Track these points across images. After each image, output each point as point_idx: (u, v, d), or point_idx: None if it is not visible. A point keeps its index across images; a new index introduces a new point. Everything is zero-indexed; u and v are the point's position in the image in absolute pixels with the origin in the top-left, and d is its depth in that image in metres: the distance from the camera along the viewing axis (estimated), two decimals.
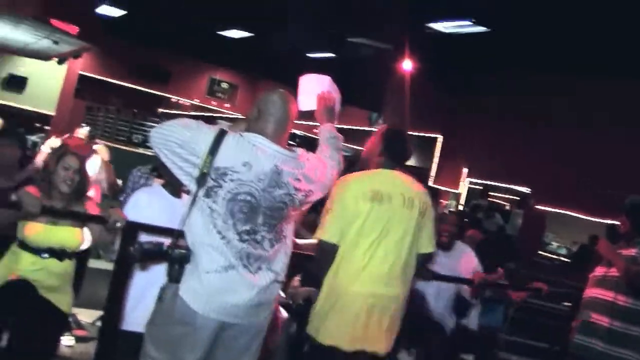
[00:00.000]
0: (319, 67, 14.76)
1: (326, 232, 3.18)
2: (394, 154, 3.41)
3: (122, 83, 18.16)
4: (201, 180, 2.58)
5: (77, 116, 16.05)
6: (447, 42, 11.40)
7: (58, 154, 3.65)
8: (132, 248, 2.78)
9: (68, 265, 3.61)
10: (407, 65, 12.44)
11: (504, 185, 13.82)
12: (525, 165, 12.52)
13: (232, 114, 19.85)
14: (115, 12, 13.53)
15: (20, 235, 3.49)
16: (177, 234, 2.66)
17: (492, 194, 14.61)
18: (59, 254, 3.53)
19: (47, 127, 13.82)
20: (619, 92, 10.99)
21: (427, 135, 14.90)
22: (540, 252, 12.30)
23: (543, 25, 9.58)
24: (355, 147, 17.77)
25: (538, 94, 12.27)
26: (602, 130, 11.34)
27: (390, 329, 3.26)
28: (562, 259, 12.34)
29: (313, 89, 3.22)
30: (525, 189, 13.02)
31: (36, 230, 3.46)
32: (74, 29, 10.85)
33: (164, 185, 3.55)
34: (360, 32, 11.03)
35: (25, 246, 3.48)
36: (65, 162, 3.58)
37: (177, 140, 2.59)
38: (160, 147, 2.62)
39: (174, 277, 2.62)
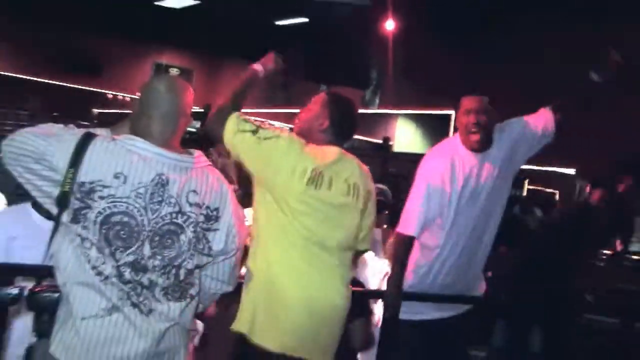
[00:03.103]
0: (290, 37, 14.74)
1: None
2: (342, 129, 3.43)
3: (35, 78, 18.10)
4: (63, 201, 2.52)
5: None
6: None
7: None
8: None
9: None
10: (390, 25, 12.44)
11: (544, 168, 13.76)
12: (572, 140, 12.42)
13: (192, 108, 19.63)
14: None
15: None
16: (42, 273, 2.64)
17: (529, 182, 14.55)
18: None
19: None
20: None
21: (436, 112, 14.89)
22: None
23: None
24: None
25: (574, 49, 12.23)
26: None
27: (332, 340, 3.36)
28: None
29: None
30: (570, 171, 12.98)
31: None
32: None
33: (34, 205, 3.47)
34: None
35: None
36: None
37: (31, 153, 2.54)
38: (13, 163, 2.56)
39: (43, 330, 2.56)
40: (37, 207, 3.36)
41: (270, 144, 3.20)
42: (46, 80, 18.14)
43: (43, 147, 2.55)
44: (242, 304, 3.21)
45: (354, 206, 3.35)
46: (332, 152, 3.33)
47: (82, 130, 2.63)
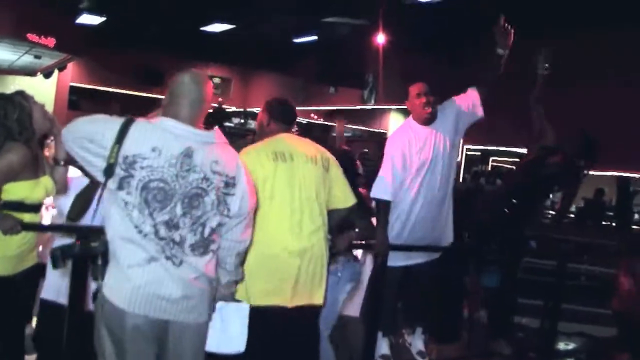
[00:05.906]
0: (304, 51, 14.62)
1: None
2: (281, 116, 3.49)
3: (116, 90, 18.24)
4: (109, 171, 2.48)
5: None
6: (429, 13, 11.32)
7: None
8: (53, 254, 2.72)
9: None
10: (381, 39, 12.42)
11: (504, 148, 13.63)
12: (525, 126, 12.30)
13: (229, 108, 19.86)
14: (95, 19, 13.50)
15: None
16: (88, 231, 2.64)
17: (493, 158, 14.46)
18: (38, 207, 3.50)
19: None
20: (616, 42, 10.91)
21: None
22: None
23: None
24: (352, 126, 17.72)
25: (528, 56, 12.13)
26: (601, 83, 11.15)
27: (320, 280, 3.34)
28: (572, 216, 12.17)
29: None
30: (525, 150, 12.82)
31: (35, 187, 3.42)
32: (51, 42, 10.86)
33: None
34: (337, 12, 10.95)
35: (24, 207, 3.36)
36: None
37: (85, 135, 2.51)
38: (71, 144, 2.53)
39: (100, 274, 2.55)
40: None
41: None
42: (122, 91, 18.33)
43: (93, 129, 2.52)
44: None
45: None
46: (282, 138, 3.38)
47: (124, 117, 2.56)
